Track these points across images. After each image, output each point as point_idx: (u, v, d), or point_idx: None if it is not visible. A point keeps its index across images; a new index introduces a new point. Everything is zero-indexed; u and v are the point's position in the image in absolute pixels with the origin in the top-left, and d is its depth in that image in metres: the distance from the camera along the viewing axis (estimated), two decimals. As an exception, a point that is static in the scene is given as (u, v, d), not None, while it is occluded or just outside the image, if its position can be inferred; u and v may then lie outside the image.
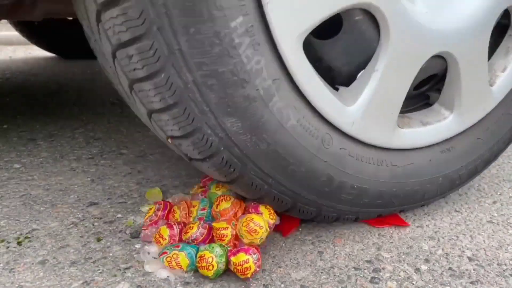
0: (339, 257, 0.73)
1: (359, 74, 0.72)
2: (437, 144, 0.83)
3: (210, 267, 0.64)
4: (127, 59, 0.56)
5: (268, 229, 0.69)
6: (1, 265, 0.69)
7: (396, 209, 0.83)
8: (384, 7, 0.65)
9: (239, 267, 0.64)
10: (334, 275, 0.68)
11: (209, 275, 0.64)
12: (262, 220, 0.68)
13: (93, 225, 0.81)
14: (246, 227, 0.67)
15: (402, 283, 0.66)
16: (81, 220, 0.83)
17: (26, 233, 0.78)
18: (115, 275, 0.67)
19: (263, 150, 0.63)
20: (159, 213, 0.77)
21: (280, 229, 0.79)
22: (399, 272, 0.69)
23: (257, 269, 0.65)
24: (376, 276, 0.68)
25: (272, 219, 0.72)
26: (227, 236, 0.69)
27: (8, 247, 0.74)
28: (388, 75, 0.70)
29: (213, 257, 0.64)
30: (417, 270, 0.70)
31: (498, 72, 0.86)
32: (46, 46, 2.98)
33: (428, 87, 0.87)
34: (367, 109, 0.70)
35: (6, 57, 3.17)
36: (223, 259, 0.65)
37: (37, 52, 3.44)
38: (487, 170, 1.12)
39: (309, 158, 0.67)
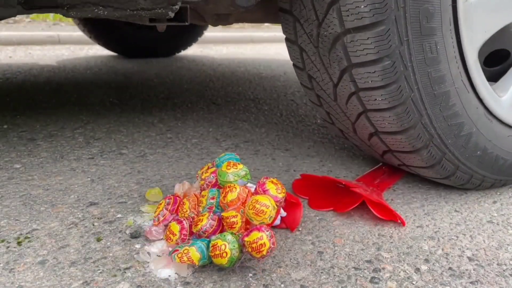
0: (339, 257, 0.73)
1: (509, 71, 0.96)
2: None
3: (224, 254, 0.64)
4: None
5: (276, 206, 0.70)
6: (1, 265, 0.69)
7: None
8: None
9: (254, 245, 0.64)
10: (334, 275, 0.68)
11: (224, 263, 0.64)
12: (268, 199, 0.68)
13: (93, 225, 0.81)
14: (253, 210, 0.68)
15: (402, 283, 0.66)
16: (81, 220, 0.83)
17: (26, 233, 0.78)
18: (115, 275, 0.67)
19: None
20: (169, 207, 0.77)
21: (287, 226, 0.80)
22: (399, 272, 0.69)
23: (272, 246, 0.65)
24: (376, 276, 0.68)
25: (279, 193, 0.72)
26: (237, 223, 0.68)
27: (8, 247, 0.74)
28: None
29: (226, 244, 0.65)
30: (417, 270, 0.70)
31: None
32: (103, 43, 3.18)
33: None
34: None
35: (6, 57, 3.17)
36: (236, 246, 0.65)
37: (37, 52, 3.44)
38: (487, 170, 1.12)
39: (477, 133, 0.89)
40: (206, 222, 0.70)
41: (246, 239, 0.65)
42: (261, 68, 2.99)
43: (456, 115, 0.85)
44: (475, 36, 0.84)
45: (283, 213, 0.80)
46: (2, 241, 0.75)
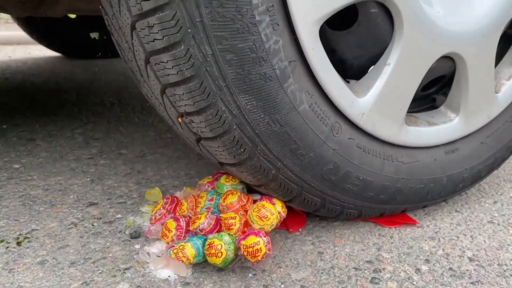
0: (339, 258, 0.73)
1: (371, 68, 0.73)
2: (443, 145, 0.84)
3: (219, 254, 0.64)
4: (148, 30, 0.57)
5: (279, 217, 0.70)
6: (1, 265, 0.68)
7: (399, 207, 0.83)
8: (399, 1, 0.66)
9: (250, 249, 0.64)
10: (335, 276, 0.68)
11: (218, 263, 0.65)
12: (274, 208, 0.69)
13: (93, 225, 0.81)
14: (258, 213, 0.68)
15: (402, 283, 0.66)
16: (81, 220, 0.83)
17: (26, 233, 0.78)
18: (114, 276, 0.66)
19: (274, 131, 0.64)
20: (167, 206, 0.77)
21: (287, 227, 0.80)
22: (400, 272, 0.69)
23: (268, 252, 0.65)
24: (377, 277, 0.67)
25: (283, 211, 0.72)
26: (235, 225, 0.69)
27: (8, 247, 0.73)
28: (399, 70, 0.71)
29: (222, 244, 0.65)
30: (418, 270, 0.70)
31: (504, 80, 0.88)
32: (47, 43, 2.98)
33: (435, 90, 0.88)
34: (377, 103, 0.71)
35: (5, 57, 3.17)
36: (232, 247, 0.65)
37: (36, 52, 3.44)
38: (487, 170, 1.12)
39: (318, 144, 0.68)
40: (204, 220, 0.70)
41: (242, 242, 0.65)
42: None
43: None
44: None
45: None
46: (2, 241, 0.75)
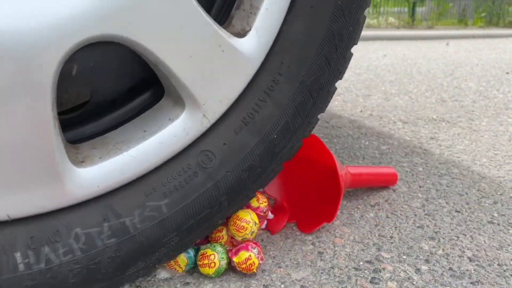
0: (339, 258, 0.73)
1: None
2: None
3: (212, 265, 0.64)
4: None
5: (258, 220, 0.70)
6: (1, 265, 0.68)
7: None
8: None
9: (243, 266, 0.65)
10: (334, 276, 0.68)
11: (211, 273, 0.65)
12: (248, 214, 0.69)
13: (93, 225, 0.81)
14: (234, 226, 0.68)
15: (402, 283, 0.66)
16: (81, 220, 0.83)
17: (26, 233, 0.78)
18: (114, 275, 0.66)
19: None
20: None
21: (269, 228, 0.80)
22: (400, 272, 0.69)
23: (261, 262, 0.66)
24: (376, 277, 0.67)
25: (261, 203, 0.72)
26: (223, 238, 0.70)
27: (8, 247, 0.73)
28: None
29: (215, 254, 0.65)
30: (418, 270, 0.70)
31: None
32: None
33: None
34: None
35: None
36: (225, 257, 0.66)
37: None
38: (487, 170, 1.12)
39: None
40: None
41: (235, 259, 0.65)
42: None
43: None
44: None
45: (270, 215, 0.79)
46: (2, 241, 0.75)
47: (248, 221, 0.68)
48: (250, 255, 0.65)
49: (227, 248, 0.68)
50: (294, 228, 0.81)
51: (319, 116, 0.64)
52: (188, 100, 0.55)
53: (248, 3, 0.58)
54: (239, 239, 0.68)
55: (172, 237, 0.58)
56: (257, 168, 0.61)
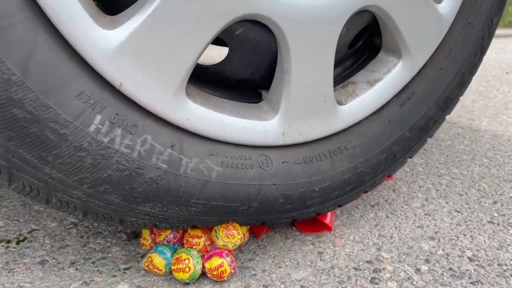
0: (339, 258, 0.73)
1: None
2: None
3: (187, 269, 0.63)
4: None
5: (243, 239, 0.70)
6: (1, 265, 0.68)
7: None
8: None
9: (214, 272, 0.64)
10: (334, 276, 0.68)
11: (185, 278, 0.63)
12: (241, 228, 0.69)
13: (93, 225, 0.81)
14: (225, 230, 0.67)
15: (402, 283, 0.66)
16: (81, 220, 0.83)
17: (26, 233, 0.78)
18: (114, 276, 0.66)
19: None
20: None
21: (253, 232, 0.79)
22: (400, 272, 0.69)
23: (232, 271, 0.65)
24: (376, 277, 0.67)
25: (247, 236, 0.72)
26: (199, 245, 0.68)
27: (8, 247, 0.73)
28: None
29: (190, 258, 0.64)
30: (418, 270, 0.70)
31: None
32: None
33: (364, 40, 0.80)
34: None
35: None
36: (200, 262, 0.65)
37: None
38: (487, 170, 1.11)
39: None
40: (170, 233, 0.70)
41: (206, 265, 0.64)
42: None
43: None
44: None
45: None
46: (1, 241, 0.75)
47: (239, 232, 0.68)
48: (222, 262, 0.64)
49: (200, 255, 0.67)
50: (294, 228, 0.81)
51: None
52: (405, 52, 0.74)
53: None
54: (221, 244, 0.68)
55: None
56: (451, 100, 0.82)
